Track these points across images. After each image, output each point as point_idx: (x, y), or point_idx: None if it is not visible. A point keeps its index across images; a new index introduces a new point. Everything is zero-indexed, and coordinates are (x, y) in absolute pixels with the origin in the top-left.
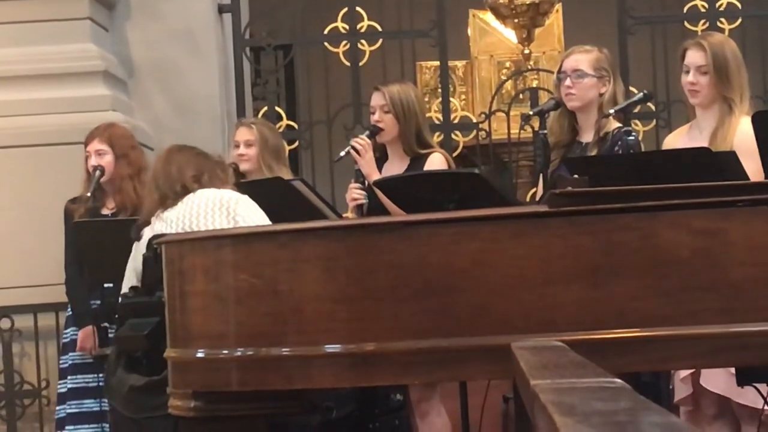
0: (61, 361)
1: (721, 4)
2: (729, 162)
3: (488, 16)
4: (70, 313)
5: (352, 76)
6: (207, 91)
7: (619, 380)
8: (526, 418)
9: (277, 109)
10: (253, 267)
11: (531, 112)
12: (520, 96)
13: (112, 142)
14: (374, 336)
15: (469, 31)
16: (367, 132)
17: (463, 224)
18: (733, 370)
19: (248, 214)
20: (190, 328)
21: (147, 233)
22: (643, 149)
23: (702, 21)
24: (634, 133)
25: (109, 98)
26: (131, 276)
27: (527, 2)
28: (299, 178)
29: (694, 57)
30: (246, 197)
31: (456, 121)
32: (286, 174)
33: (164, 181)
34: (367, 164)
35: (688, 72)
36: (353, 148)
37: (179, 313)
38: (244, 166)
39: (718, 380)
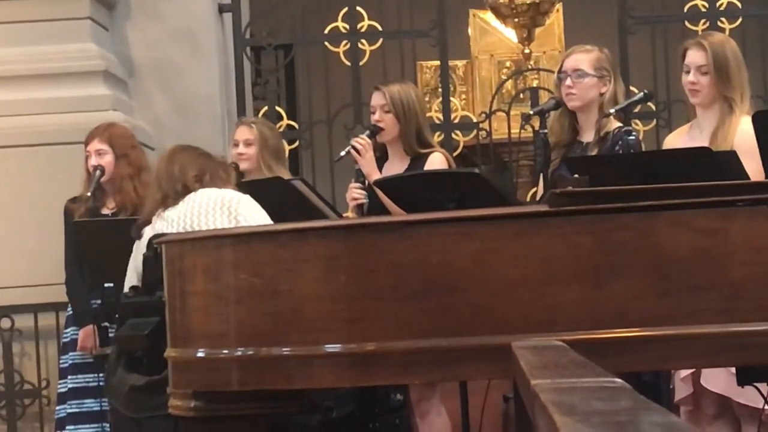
0: (61, 361)
1: (722, 4)
2: (729, 162)
3: (488, 16)
4: (71, 312)
5: (352, 75)
6: (207, 91)
7: (619, 380)
8: (527, 418)
9: (277, 108)
10: (254, 266)
11: (531, 112)
12: (521, 96)
13: (112, 141)
14: (374, 336)
15: (470, 31)
16: (368, 132)
17: (463, 224)
18: (733, 369)
19: (250, 213)
20: (190, 327)
21: (148, 232)
22: (643, 149)
23: (702, 20)
24: (634, 133)
25: (109, 98)
26: (132, 275)
27: (527, 2)
28: (299, 178)
29: (694, 57)
30: (248, 197)
31: (456, 120)
32: (285, 174)
33: (166, 180)
34: (368, 164)
35: (688, 72)
36: (353, 147)
37: (179, 312)
38: (243, 166)
39: (719, 380)
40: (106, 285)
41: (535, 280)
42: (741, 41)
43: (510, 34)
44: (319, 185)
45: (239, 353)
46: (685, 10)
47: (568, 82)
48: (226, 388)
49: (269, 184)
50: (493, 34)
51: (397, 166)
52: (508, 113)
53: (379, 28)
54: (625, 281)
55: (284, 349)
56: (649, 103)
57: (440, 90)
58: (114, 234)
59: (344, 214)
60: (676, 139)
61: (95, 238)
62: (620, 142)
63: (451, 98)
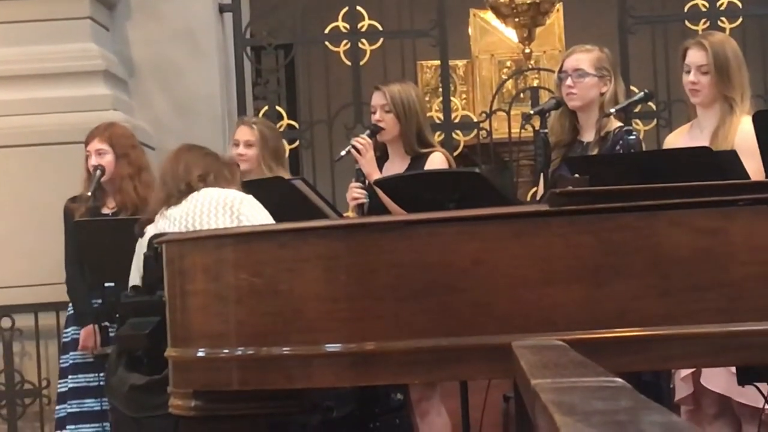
0: (61, 361)
1: (722, 4)
2: (730, 161)
3: (489, 16)
4: (71, 312)
5: (352, 75)
6: (208, 91)
7: (619, 379)
8: (527, 418)
9: (277, 108)
10: (254, 266)
11: (532, 112)
12: (521, 95)
13: (112, 141)
14: (375, 335)
15: (470, 31)
16: (368, 131)
17: (463, 224)
18: (733, 369)
19: (252, 213)
20: (190, 327)
21: (150, 230)
22: (643, 148)
23: (703, 20)
24: (634, 133)
25: (109, 98)
26: (135, 274)
27: (528, 1)
28: (300, 178)
29: (695, 56)
30: (250, 197)
31: (457, 120)
32: (285, 175)
33: (171, 178)
34: (368, 164)
35: (689, 71)
36: (354, 147)
37: (180, 312)
38: (243, 166)
39: (719, 379)
40: (106, 284)
41: (536, 280)
42: (741, 41)
43: (510, 33)
44: (320, 185)
45: (239, 353)
46: (686, 9)
47: (569, 81)
48: (226, 388)
49: (270, 183)
50: (494, 33)
51: (397, 165)
52: (508, 113)
53: (380, 28)
54: (626, 281)
55: (284, 348)
56: (650, 103)
57: (441, 90)
58: (114, 234)
59: (345, 214)
60: (677, 139)
61: (96, 237)
62: (621, 142)
63: (452, 98)
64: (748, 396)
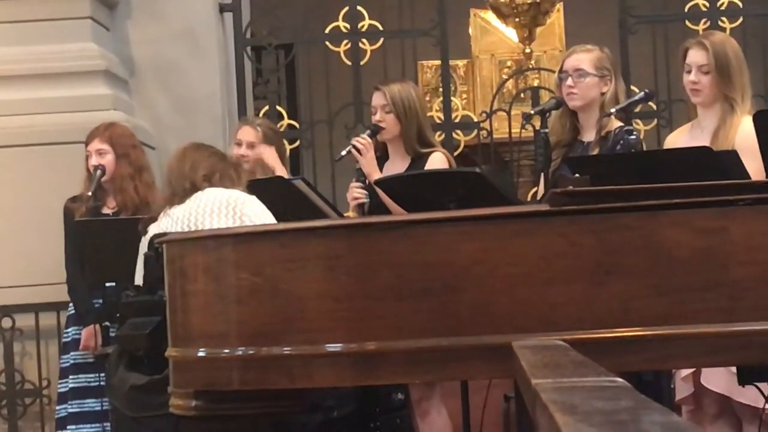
0: (62, 361)
1: (722, 3)
2: (730, 161)
3: (489, 15)
4: (71, 312)
5: (353, 75)
6: (208, 91)
7: (620, 379)
8: (528, 418)
9: (278, 108)
10: (255, 266)
11: (532, 111)
12: (522, 95)
13: (112, 141)
14: (375, 335)
15: (471, 30)
16: (368, 131)
17: (464, 223)
18: (734, 369)
19: (255, 214)
20: (191, 327)
21: (153, 229)
22: (644, 148)
23: (703, 20)
24: (635, 133)
25: (110, 97)
26: (140, 273)
27: (528, 1)
28: (300, 177)
29: (695, 56)
30: (254, 198)
31: (457, 120)
32: (286, 175)
33: (176, 177)
34: (368, 163)
35: (689, 71)
36: (354, 147)
37: (180, 312)
38: (244, 167)
39: (719, 379)
40: (107, 285)
41: (536, 280)
42: (742, 41)
43: (511, 33)
44: (320, 185)
45: (240, 353)
46: (686, 9)
47: (569, 81)
48: (227, 388)
49: (270, 183)
50: (494, 33)
51: (397, 165)
52: (509, 113)
53: (380, 28)
54: (626, 281)
55: (285, 348)
56: (650, 103)
57: (441, 89)
58: (115, 233)
59: (345, 214)
60: (677, 139)
61: (96, 237)
62: (621, 142)
63: (452, 98)
64: (749, 396)
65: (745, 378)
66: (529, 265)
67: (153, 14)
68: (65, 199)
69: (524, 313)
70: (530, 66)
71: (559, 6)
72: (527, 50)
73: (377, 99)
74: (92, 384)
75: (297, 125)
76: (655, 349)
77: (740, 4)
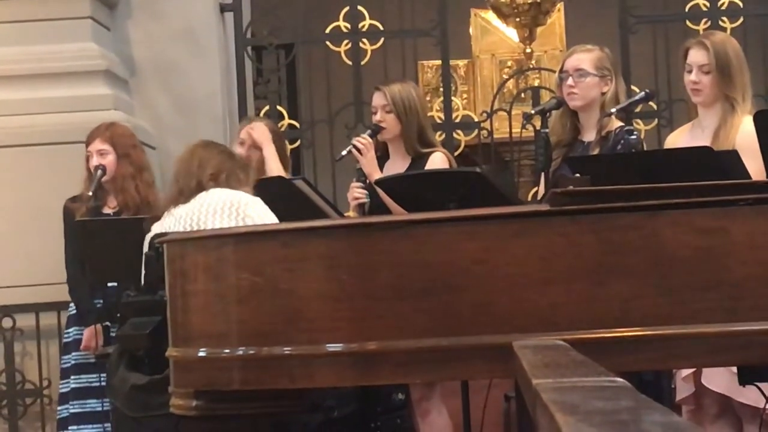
0: (63, 361)
1: (723, 3)
2: (731, 161)
3: (490, 15)
4: (72, 312)
5: (353, 75)
6: (208, 90)
7: (620, 379)
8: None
9: (278, 108)
10: (255, 266)
11: (533, 111)
12: (522, 95)
13: (113, 141)
14: (376, 335)
15: (471, 30)
16: (369, 131)
17: (464, 223)
18: (734, 369)
19: (258, 215)
20: (191, 327)
21: (157, 228)
22: (644, 148)
23: (704, 20)
24: (635, 132)
25: (110, 97)
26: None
27: (529, 1)
28: (301, 177)
29: (696, 56)
30: (258, 200)
31: (458, 120)
32: (286, 175)
33: (184, 175)
34: (369, 163)
35: (690, 71)
36: (355, 147)
37: (181, 312)
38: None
39: (720, 379)
40: (109, 285)
41: (537, 280)
42: (742, 40)
43: (511, 33)
44: (321, 184)
45: (240, 352)
46: (687, 9)
47: (570, 81)
48: (227, 388)
49: (271, 183)
50: (495, 33)
51: (398, 165)
52: (509, 113)
53: (381, 28)
54: (627, 280)
55: (286, 348)
56: (651, 103)
57: (441, 89)
58: (115, 233)
59: (345, 214)
60: (678, 139)
61: (97, 237)
62: (622, 142)
63: (453, 98)
64: (749, 396)
65: (745, 378)
66: (529, 265)
67: (153, 14)
68: (65, 199)
69: (525, 313)
70: (531, 66)
71: (560, 6)
72: (528, 50)
73: (378, 99)
74: (93, 384)
75: (297, 125)
76: (656, 349)
77: (741, 4)
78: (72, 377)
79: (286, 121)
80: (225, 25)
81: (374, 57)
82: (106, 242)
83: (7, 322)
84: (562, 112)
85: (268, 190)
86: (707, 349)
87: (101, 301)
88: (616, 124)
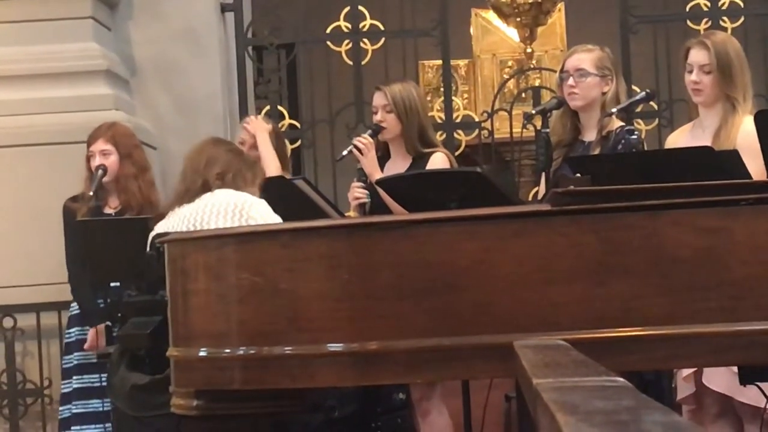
0: (65, 361)
1: (724, 3)
2: (731, 161)
3: (490, 15)
4: (73, 312)
5: (354, 75)
6: (209, 90)
7: (621, 379)
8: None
9: (279, 108)
10: (256, 266)
11: (533, 111)
12: (523, 95)
13: (116, 141)
14: (377, 335)
15: (472, 30)
16: (370, 131)
17: (465, 223)
18: (735, 368)
19: (261, 216)
20: (192, 326)
21: (160, 226)
22: (645, 148)
23: (704, 20)
24: (636, 132)
25: (111, 97)
26: None
27: (530, 1)
28: (302, 177)
29: (697, 56)
30: (262, 201)
31: (458, 120)
32: (287, 175)
33: (191, 172)
34: (370, 163)
35: (691, 71)
36: (356, 147)
37: (182, 311)
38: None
39: (721, 379)
40: (111, 284)
41: (537, 280)
42: (743, 40)
43: (512, 33)
44: (321, 184)
45: (241, 352)
46: (687, 9)
47: (571, 81)
48: (228, 387)
49: (271, 183)
50: (495, 33)
51: (399, 165)
52: (510, 112)
53: (382, 28)
54: (628, 280)
55: (286, 348)
56: (651, 103)
57: (442, 89)
58: (117, 233)
59: (346, 214)
60: (679, 138)
61: (98, 237)
62: (622, 142)
63: (453, 97)
64: (750, 395)
65: (746, 377)
66: (530, 265)
67: (154, 14)
68: (65, 199)
69: (525, 313)
70: (531, 66)
71: (561, 6)
72: (528, 50)
73: (378, 99)
74: (95, 384)
75: (298, 125)
76: (657, 348)
77: (741, 4)
78: (74, 377)
79: (287, 121)
80: (226, 25)
81: (375, 57)
82: (106, 242)
83: (8, 322)
84: (562, 112)
85: (268, 189)
86: (708, 348)
87: (102, 301)
88: (617, 124)
